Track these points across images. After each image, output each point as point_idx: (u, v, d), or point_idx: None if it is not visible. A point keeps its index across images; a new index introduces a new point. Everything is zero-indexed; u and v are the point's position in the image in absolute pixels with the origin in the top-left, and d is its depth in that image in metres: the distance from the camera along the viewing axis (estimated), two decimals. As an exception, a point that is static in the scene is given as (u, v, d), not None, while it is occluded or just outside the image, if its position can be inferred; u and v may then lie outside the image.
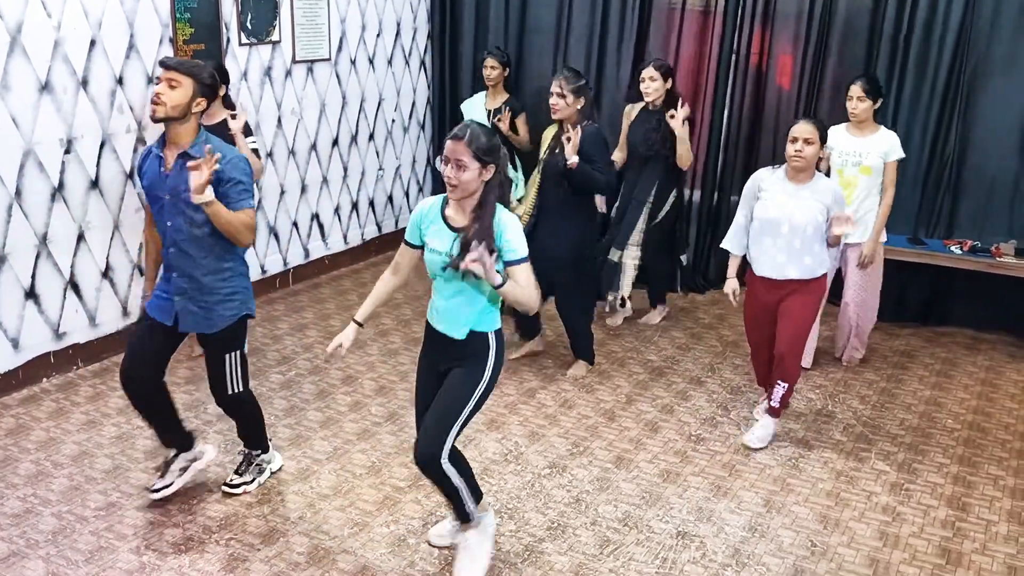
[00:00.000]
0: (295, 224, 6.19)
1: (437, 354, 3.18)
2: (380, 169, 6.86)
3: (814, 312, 4.22)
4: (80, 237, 4.69)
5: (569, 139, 4.53)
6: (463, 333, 3.07)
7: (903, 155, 4.87)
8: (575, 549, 3.43)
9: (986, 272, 5.38)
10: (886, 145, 4.82)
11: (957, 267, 5.46)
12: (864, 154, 4.81)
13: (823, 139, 4.04)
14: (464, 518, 3.21)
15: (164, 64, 3.27)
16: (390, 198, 7.06)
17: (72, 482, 3.75)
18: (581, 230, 4.76)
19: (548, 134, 4.85)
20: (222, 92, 4.61)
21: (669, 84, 5.28)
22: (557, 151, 4.66)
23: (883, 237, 4.94)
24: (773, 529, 3.61)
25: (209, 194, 3.17)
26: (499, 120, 5.89)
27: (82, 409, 4.37)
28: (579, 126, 4.56)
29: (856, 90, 4.80)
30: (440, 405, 3.06)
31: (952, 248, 5.45)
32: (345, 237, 6.65)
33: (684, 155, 5.23)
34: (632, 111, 5.47)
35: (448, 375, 3.12)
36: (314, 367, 4.95)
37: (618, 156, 5.42)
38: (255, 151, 4.69)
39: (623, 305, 5.51)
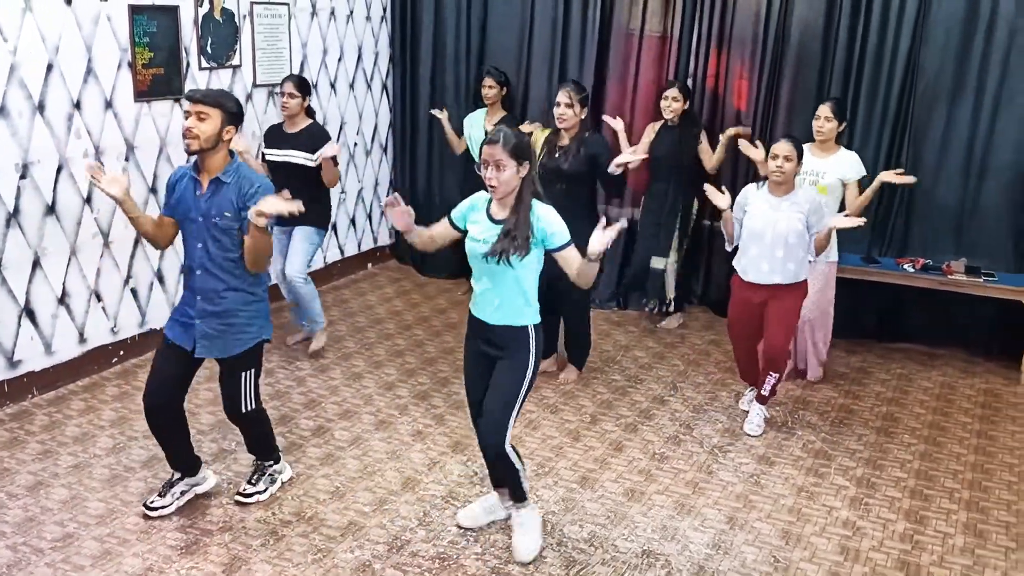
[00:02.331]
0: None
1: (480, 339, 3.41)
2: (342, 192, 6.84)
3: (797, 313, 4.57)
4: (36, 263, 4.61)
5: (564, 147, 4.88)
6: (497, 319, 3.33)
7: (865, 172, 5.02)
8: (541, 570, 3.43)
9: (938, 289, 5.51)
10: (845, 167, 4.97)
11: (910, 285, 5.59)
12: (822, 173, 4.94)
13: (800, 156, 4.39)
14: (520, 497, 3.51)
15: (191, 98, 3.36)
16: (352, 220, 7.04)
17: (27, 513, 3.67)
18: (589, 231, 4.84)
19: (538, 138, 5.02)
20: (305, 104, 5.18)
21: (687, 104, 5.75)
22: (558, 155, 4.87)
23: (834, 255, 5.10)
24: (736, 546, 3.64)
25: (264, 220, 3.29)
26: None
27: (37, 438, 4.28)
28: (585, 134, 4.86)
29: (824, 110, 4.98)
30: (495, 397, 3.34)
31: (905, 266, 5.57)
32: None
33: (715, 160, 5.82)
34: (653, 129, 5.89)
35: (496, 366, 3.37)
36: (276, 392, 4.90)
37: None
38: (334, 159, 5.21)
39: (671, 308, 6.09)
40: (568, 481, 4.09)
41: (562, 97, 4.81)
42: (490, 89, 6.13)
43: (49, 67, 4.56)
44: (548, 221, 3.26)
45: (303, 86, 5.18)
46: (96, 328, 4.99)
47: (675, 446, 4.47)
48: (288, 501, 3.83)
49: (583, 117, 4.85)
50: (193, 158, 3.45)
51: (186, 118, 3.36)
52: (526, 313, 3.35)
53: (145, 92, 5.06)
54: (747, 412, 4.78)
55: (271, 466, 3.86)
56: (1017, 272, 5.55)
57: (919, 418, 4.89)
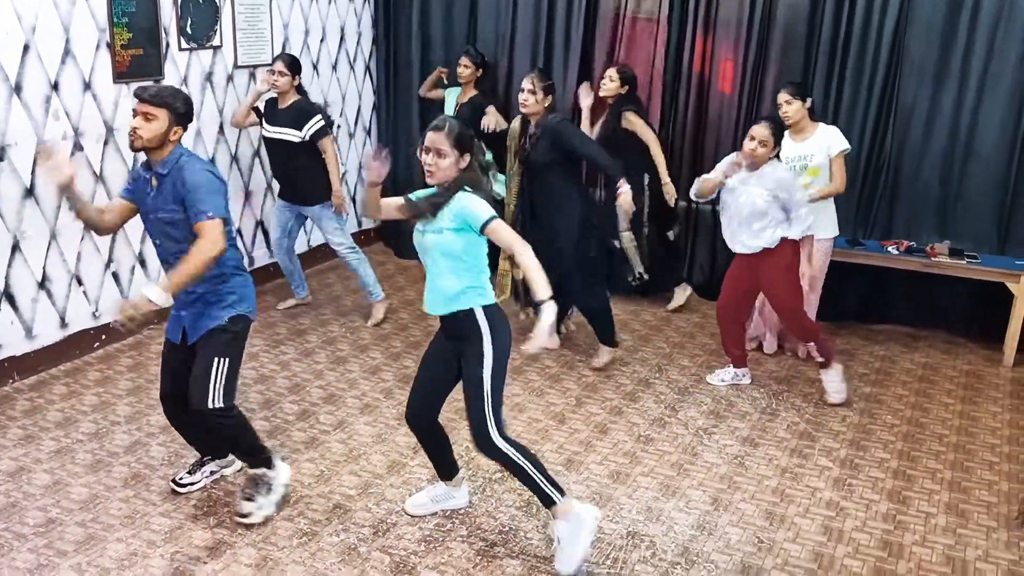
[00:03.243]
0: (239, 232, 6.10)
1: (445, 334, 3.39)
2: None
3: (786, 278, 4.62)
4: (15, 247, 4.56)
5: (531, 135, 4.85)
6: (444, 310, 3.27)
7: (847, 147, 5.00)
8: (527, 552, 3.44)
9: (922, 272, 5.54)
10: (829, 141, 4.97)
11: (894, 267, 5.61)
12: (809, 156, 4.94)
13: (778, 140, 4.47)
14: (546, 502, 3.32)
15: (139, 96, 3.29)
16: (336, 204, 6.99)
17: (9, 498, 3.64)
18: (575, 215, 4.93)
19: (516, 126, 5.04)
20: (296, 82, 5.34)
21: (625, 89, 5.62)
22: (528, 145, 4.88)
23: (832, 232, 5.13)
24: (721, 527, 3.66)
25: (154, 294, 3.12)
26: (487, 115, 5.99)
27: (19, 423, 4.24)
28: (544, 122, 4.82)
29: (783, 96, 4.96)
30: (467, 397, 3.29)
31: (889, 249, 5.59)
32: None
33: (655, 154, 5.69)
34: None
35: (461, 363, 3.33)
36: (260, 376, 4.88)
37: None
38: (323, 128, 5.35)
39: (642, 280, 6.03)
40: (554, 464, 4.10)
41: (525, 83, 4.83)
42: (465, 68, 6.15)
43: (26, 47, 4.48)
44: (466, 205, 3.17)
45: (293, 65, 5.35)
46: (77, 312, 4.95)
47: (660, 428, 4.48)
48: (273, 485, 3.82)
49: (547, 105, 4.82)
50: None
51: (133, 116, 3.30)
52: (469, 295, 3.24)
53: (124, 73, 4.99)
54: (713, 386, 4.95)
55: (263, 473, 3.60)
56: (1000, 254, 5.59)
57: (902, 399, 4.92)
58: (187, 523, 3.53)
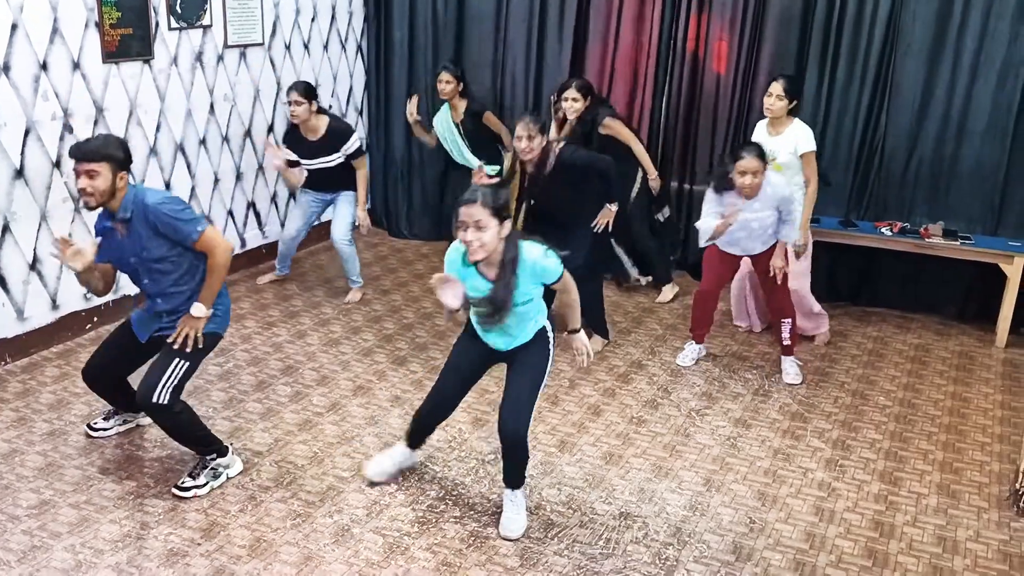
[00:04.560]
0: (231, 213, 6.07)
1: (491, 350, 3.48)
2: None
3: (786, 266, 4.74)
4: (5, 228, 4.53)
5: (531, 175, 4.68)
6: (511, 345, 3.43)
7: (812, 148, 4.94)
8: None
9: (915, 253, 5.54)
10: (796, 140, 4.93)
11: (887, 248, 5.61)
12: (777, 151, 4.93)
13: (765, 162, 4.50)
14: (518, 484, 3.49)
15: (75, 156, 3.36)
16: (329, 185, 6.95)
17: (2, 480, 3.64)
18: (589, 222, 4.88)
19: (512, 164, 4.81)
20: (314, 108, 5.39)
21: (589, 100, 5.40)
22: (538, 180, 4.67)
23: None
24: (713, 507, 3.68)
25: (201, 311, 3.50)
26: (480, 173, 5.35)
27: (11, 406, 4.23)
28: (551, 155, 4.61)
29: (776, 88, 4.92)
30: (520, 387, 3.38)
31: (882, 230, 5.59)
32: (283, 225, 6.53)
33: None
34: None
35: (514, 360, 3.45)
36: (253, 358, 4.87)
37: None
38: (359, 148, 5.51)
39: (644, 281, 6.13)
40: (547, 445, 4.11)
41: (520, 130, 4.51)
42: (447, 84, 5.87)
43: (14, 27, 4.43)
44: (537, 260, 3.23)
45: (308, 92, 5.38)
46: (69, 294, 4.92)
47: (653, 410, 4.49)
48: (266, 467, 3.82)
49: (544, 144, 4.58)
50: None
51: (76, 177, 3.37)
52: (538, 321, 3.44)
53: (114, 53, 4.94)
54: (683, 367, 4.99)
55: (214, 459, 3.66)
56: (993, 235, 5.59)
57: (894, 380, 4.94)
58: (181, 505, 3.53)
